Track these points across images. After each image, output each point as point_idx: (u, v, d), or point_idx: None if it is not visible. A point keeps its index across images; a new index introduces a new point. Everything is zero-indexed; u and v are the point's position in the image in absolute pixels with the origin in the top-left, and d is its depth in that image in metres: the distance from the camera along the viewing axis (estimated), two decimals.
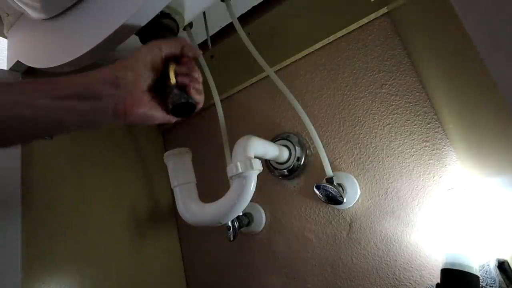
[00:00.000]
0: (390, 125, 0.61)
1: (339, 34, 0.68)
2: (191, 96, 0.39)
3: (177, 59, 0.41)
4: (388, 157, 0.60)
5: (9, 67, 0.64)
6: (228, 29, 0.76)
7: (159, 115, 0.39)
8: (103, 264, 0.71)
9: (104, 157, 0.81)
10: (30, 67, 0.58)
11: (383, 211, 0.60)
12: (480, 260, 0.48)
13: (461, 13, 0.25)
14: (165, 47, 0.39)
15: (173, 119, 0.42)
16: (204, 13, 0.64)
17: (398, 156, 0.59)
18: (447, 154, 0.54)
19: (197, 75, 0.41)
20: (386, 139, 0.61)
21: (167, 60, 0.40)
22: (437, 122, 0.56)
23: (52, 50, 0.51)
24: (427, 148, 0.56)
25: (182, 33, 0.64)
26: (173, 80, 0.39)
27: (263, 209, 0.76)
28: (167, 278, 0.86)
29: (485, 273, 0.48)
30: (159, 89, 0.40)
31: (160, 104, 0.39)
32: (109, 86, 0.35)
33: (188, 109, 0.40)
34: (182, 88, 0.39)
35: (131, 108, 0.36)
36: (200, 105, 0.42)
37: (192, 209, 0.54)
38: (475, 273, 0.44)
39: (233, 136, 0.59)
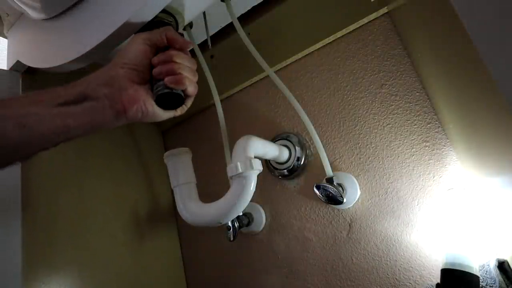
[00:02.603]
0: (390, 125, 0.61)
1: (339, 34, 0.68)
2: (174, 86, 0.38)
3: (166, 49, 0.40)
4: (388, 157, 0.60)
5: (9, 67, 0.64)
6: (228, 29, 0.76)
7: (158, 110, 0.39)
8: (103, 264, 0.71)
9: (104, 158, 0.81)
10: (30, 67, 0.58)
11: (383, 211, 0.60)
12: (480, 260, 0.48)
13: (461, 13, 0.25)
14: (149, 38, 0.39)
15: (172, 114, 0.41)
16: (204, 13, 0.64)
17: (398, 156, 0.59)
18: (447, 154, 0.54)
19: (180, 60, 0.39)
20: (386, 139, 0.61)
21: (157, 52, 0.40)
22: (437, 122, 0.56)
23: (52, 50, 0.51)
24: (427, 148, 0.56)
25: (183, 34, 0.64)
26: None
27: (263, 209, 0.76)
28: (167, 278, 0.85)
29: (485, 273, 0.48)
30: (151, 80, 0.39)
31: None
32: (104, 86, 0.35)
33: (176, 100, 0.39)
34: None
35: (129, 104, 0.36)
36: (189, 94, 0.40)
37: (192, 209, 0.54)
38: (475, 273, 0.44)
39: (233, 136, 0.59)
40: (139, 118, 0.38)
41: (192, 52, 0.60)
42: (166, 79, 0.38)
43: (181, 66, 0.39)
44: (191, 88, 0.40)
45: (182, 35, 0.43)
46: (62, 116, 0.33)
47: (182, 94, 0.40)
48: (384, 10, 0.62)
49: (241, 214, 0.74)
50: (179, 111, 0.42)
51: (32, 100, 0.32)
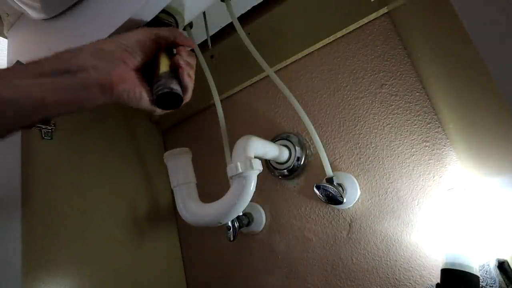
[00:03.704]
0: (390, 125, 0.61)
1: (339, 34, 0.68)
2: (176, 86, 0.38)
3: (169, 50, 0.41)
4: (388, 157, 0.60)
5: None
6: (228, 29, 0.76)
7: (145, 99, 0.38)
8: (103, 264, 0.71)
9: (104, 157, 0.81)
10: None
11: (383, 211, 0.60)
12: (480, 260, 0.48)
13: (461, 13, 0.25)
14: (156, 34, 0.39)
15: (157, 110, 0.40)
16: (204, 13, 0.64)
17: (398, 156, 0.59)
18: (447, 154, 0.54)
19: (191, 60, 0.40)
20: (386, 139, 0.61)
21: (159, 49, 0.40)
22: (437, 122, 0.56)
23: (52, 50, 0.51)
24: (427, 148, 0.56)
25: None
26: (162, 69, 0.39)
27: (263, 209, 0.76)
28: (167, 278, 0.85)
29: (485, 273, 0.48)
30: (148, 77, 0.39)
31: (148, 91, 0.38)
32: (94, 58, 0.34)
33: (174, 101, 0.39)
34: (169, 77, 0.38)
35: (118, 82, 0.34)
36: (187, 94, 0.40)
37: (192, 209, 0.54)
38: (475, 273, 0.44)
39: (233, 136, 0.59)
40: (125, 99, 0.36)
41: (192, 52, 0.60)
42: (185, 72, 0.39)
43: (193, 66, 0.40)
44: (189, 91, 0.41)
45: None
46: (40, 87, 0.30)
47: (181, 93, 0.40)
48: (384, 10, 0.62)
49: (241, 214, 0.74)
50: (159, 111, 0.41)
51: (15, 71, 0.30)
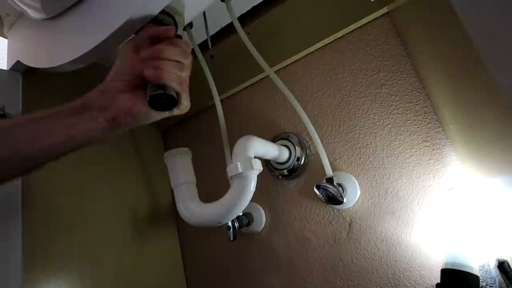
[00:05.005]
0: (390, 125, 0.61)
1: (339, 34, 0.68)
2: (168, 87, 0.36)
3: None
4: (388, 157, 0.60)
5: (9, 67, 0.64)
6: (228, 29, 0.76)
7: (150, 112, 0.38)
8: (103, 264, 0.71)
9: (104, 157, 0.81)
10: (30, 67, 0.58)
11: (383, 211, 0.60)
12: (480, 260, 0.48)
13: (461, 13, 0.25)
14: (134, 46, 0.39)
15: (166, 114, 0.40)
16: (204, 13, 0.64)
17: (398, 156, 0.59)
18: (447, 154, 0.54)
19: (163, 55, 0.36)
20: (386, 139, 0.61)
21: None
22: (437, 122, 0.56)
23: (52, 50, 0.51)
24: (427, 148, 0.56)
25: (183, 34, 0.64)
26: None
27: (263, 209, 0.76)
28: (167, 278, 0.85)
29: (485, 273, 0.48)
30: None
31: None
32: (98, 99, 0.38)
33: (168, 101, 0.38)
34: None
35: (116, 113, 0.37)
36: (175, 89, 0.38)
37: (192, 209, 0.54)
38: (475, 273, 0.44)
39: (233, 136, 0.59)
40: (132, 123, 0.39)
41: (192, 52, 0.60)
42: (147, 76, 0.36)
43: (163, 62, 0.36)
44: (175, 83, 0.37)
45: (180, 36, 0.42)
46: (65, 127, 0.36)
47: (174, 94, 0.38)
48: (384, 10, 0.62)
49: (241, 214, 0.74)
50: (176, 111, 0.40)
51: (40, 115, 0.36)
